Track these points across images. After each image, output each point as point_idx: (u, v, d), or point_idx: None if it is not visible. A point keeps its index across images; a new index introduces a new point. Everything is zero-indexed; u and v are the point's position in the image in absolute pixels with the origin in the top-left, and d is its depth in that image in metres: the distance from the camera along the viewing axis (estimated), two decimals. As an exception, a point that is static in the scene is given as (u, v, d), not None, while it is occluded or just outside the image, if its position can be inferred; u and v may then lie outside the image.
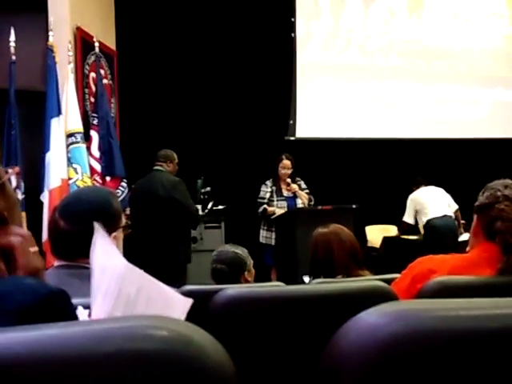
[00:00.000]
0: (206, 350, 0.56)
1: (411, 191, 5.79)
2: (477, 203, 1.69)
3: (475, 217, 1.69)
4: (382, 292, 1.43)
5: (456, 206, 5.67)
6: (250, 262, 2.52)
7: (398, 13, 6.77)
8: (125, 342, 0.55)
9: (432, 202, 5.60)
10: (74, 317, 0.93)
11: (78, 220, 1.50)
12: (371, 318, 0.61)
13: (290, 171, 5.03)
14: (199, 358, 0.55)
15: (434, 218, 5.53)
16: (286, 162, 5.03)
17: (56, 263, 1.54)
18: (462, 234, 5.60)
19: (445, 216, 5.54)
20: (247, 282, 2.46)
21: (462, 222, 5.60)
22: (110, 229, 1.55)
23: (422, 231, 5.86)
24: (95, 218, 1.52)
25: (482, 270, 1.57)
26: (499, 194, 1.61)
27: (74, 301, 1.26)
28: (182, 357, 0.55)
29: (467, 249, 1.75)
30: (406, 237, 5.88)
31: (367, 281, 1.67)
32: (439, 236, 5.37)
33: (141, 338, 0.55)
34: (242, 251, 2.52)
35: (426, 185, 5.78)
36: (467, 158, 6.80)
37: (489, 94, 7.16)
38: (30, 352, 0.53)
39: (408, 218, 5.73)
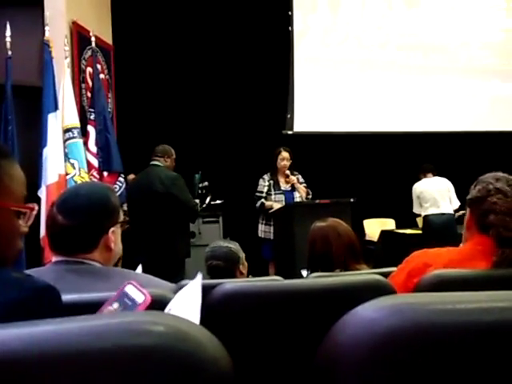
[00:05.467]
0: (203, 344, 0.56)
1: (418, 179, 5.73)
2: (469, 196, 1.70)
3: (468, 210, 1.71)
4: (380, 286, 1.43)
5: (457, 205, 5.58)
6: (243, 254, 2.55)
7: (396, 6, 6.75)
8: (122, 337, 0.55)
9: (432, 197, 5.54)
10: (60, 312, 0.93)
11: (76, 215, 1.50)
12: (367, 312, 0.61)
13: (288, 163, 5.04)
14: (196, 353, 0.55)
15: (431, 215, 5.51)
16: (285, 154, 5.05)
17: (54, 259, 1.54)
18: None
19: (443, 214, 5.48)
20: (242, 274, 2.49)
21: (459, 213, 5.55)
22: (108, 224, 1.55)
23: (420, 223, 5.87)
24: (93, 213, 1.53)
25: (476, 263, 1.57)
26: (491, 187, 1.62)
27: (71, 296, 1.27)
28: (179, 352, 0.55)
29: (461, 244, 1.76)
30: (403, 230, 5.89)
31: (364, 275, 1.67)
32: (436, 233, 5.35)
33: (138, 333, 0.55)
34: (234, 245, 2.55)
35: (434, 174, 5.72)
36: (465, 151, 6.81)
37: (486, 87, 7.15)
38: (27, 348, 0.53)
39: (416, 208, 5.71)
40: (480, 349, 0.59)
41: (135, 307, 1.10)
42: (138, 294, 1.11)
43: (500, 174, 1.66)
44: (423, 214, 5.61)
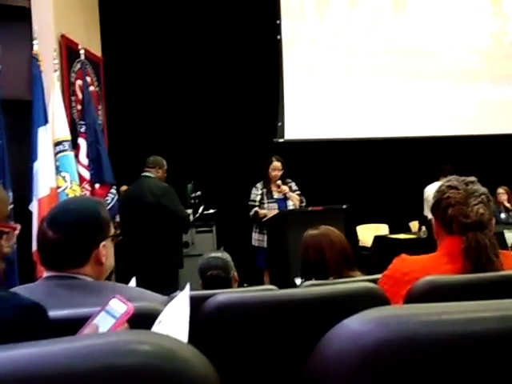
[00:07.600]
0: (190, 362, 0.56)
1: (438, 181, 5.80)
2: (431, 207, 1.79)
3: (433, 219, 1.77)
4: (372, 293, 1.44)
5: None
6: (232, 262, 2.59)
7: (383, 13, 6.79)
8: (108, 357, 0.54)
9: None
10: (47, 330, 0.92)
11: (66, 230, 1.50)
12: (354, 325, 0.61)
13: (280, 173, 5.04)
14: (183, 372, 0.55)
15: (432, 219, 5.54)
16: (276, 164, 5.04)
17: (45, 274, 1.53)
18: None
19: None
20: (236, 281, 2.54)
21: None
22: (98, 238, 1.54)
23: (413, 228, 5.87)
24: (83, 227, 1.53)
25: (447, 266, 1.61)
26: (443, 187, 1.73)
27: (63, 312, 1.26)
28: (166, 371, 0.54)
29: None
30: (396, 236, 5.90)
31: (356, 282, 1.67)
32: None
33: (124, 353, 0.55)
34: (225, 255, 2.58)
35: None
36: (455, 154, 6.84)
37: (476, 91, 7.20)
38: (11, 372, 0.52)
39: (426, 211, 5.74)
40: (466, 359, 0.59)
41: (118, 318, 1.11)
42: (121, 306, 1.13)
43: (450, 177, 1.78)
44: (429, 217, 5.65)
